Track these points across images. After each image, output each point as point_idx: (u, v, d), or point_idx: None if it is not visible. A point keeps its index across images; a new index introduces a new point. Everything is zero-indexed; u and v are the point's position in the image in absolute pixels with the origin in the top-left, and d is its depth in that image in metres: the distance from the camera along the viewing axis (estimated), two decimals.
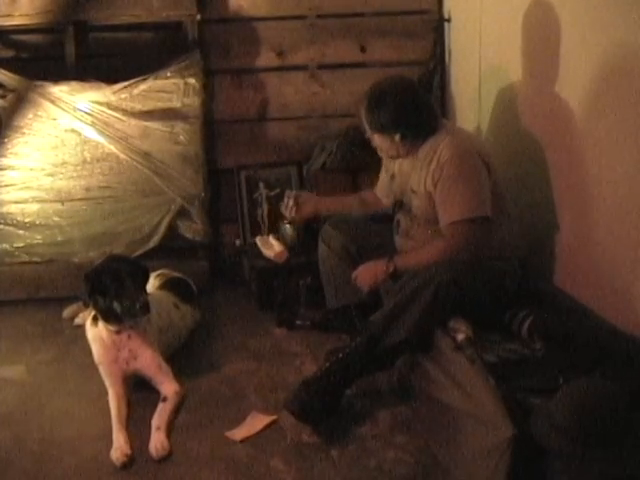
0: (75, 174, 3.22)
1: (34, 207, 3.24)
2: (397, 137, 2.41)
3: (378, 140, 2.48)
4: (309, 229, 3.20)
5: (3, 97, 3.12)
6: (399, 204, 2.58)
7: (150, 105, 3.19)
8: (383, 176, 2.75)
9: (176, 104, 3.20)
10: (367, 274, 2.50)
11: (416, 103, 2.43)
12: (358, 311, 2.71)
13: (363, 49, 3.53)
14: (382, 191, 2.77)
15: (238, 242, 3.51)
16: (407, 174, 2.52)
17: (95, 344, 2.44)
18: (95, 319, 2.44)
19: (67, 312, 3.09)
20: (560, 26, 2.39)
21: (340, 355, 2.25)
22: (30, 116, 3.14)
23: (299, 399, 2.18)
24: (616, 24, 2.09)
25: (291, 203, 2.81)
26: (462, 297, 2.21)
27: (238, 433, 2.21)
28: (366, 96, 2.44)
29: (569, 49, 2.35)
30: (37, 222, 3.25)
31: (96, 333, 2.43)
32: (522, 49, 2.67)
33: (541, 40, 2.56)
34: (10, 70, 3.11)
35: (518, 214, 2.61)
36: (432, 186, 2.38)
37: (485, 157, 2.39)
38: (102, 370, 2.42)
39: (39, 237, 3.25)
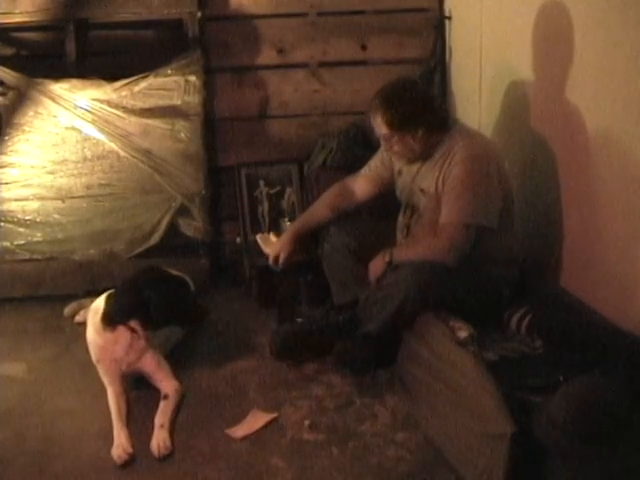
0: (76, 172, 3.21)
1: (34, 205, 3.23)
2: (420, 132, 2.38)
3: (397, 141, 2.43)
4: None
5: (4, 95, 3.11)
6: (407, 207, 2.58)
7: (151, 103, 3.18)
8: (383, 158, 2.70)
9: (177, 102, 3.19)
10: (372, 269, 2.53)
11: (429, 96, 2.54)
12: None
13: (364, 47, 3.52)
14: (371, 179, 2.75)
15: (239, 240, 3.51)
16: (416, 172, 2.51)
17: (103, 347, 2.40)
18: (109, 324, 2.38)
19: (68, 310, 3.09)
20: (562, 23, 2.38)
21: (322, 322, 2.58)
22: (30, 114, 3.13)
23: (275, 341, 2.57)
24: (616, 24, 2.09)
25: (284, 255, 2.76)
26: (441, 301, 2.27)
27: (238, 431, 2.21)
28: (379, 98, 2.41)
29: (572, 46, 2.34)
30: (37, 220, 3.24)
31: (111, 338, 2.38)
32: (523, 47, 2.66)
33: (543, 38, 2.55)
34: (11, 68, 3.09)
35: (520, 212, 2.61)
36: (442, 186, 2.38)
37: (500, 165, 2.39)
38: (100, 369, 2.41)
39: (39, 235, 3.25)
